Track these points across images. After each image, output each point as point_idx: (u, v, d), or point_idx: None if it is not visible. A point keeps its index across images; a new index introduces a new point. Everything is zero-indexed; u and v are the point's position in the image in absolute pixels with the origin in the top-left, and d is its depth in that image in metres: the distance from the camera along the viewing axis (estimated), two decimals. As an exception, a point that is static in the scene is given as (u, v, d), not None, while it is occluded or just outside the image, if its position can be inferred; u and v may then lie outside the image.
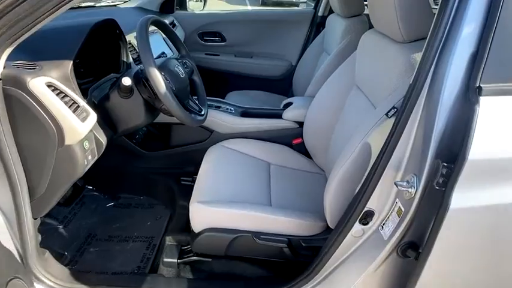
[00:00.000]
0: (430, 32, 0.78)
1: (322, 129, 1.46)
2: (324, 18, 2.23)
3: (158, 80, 0.99)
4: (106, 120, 1.13)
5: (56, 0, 0.78)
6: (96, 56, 1.30)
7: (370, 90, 1.20)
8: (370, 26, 1.27)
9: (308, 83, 2.04)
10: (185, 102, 1.21)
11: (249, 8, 11.06)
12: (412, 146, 0.85)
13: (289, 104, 1.71)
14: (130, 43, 1.45)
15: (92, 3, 1.93)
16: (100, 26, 1.19)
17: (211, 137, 1.62)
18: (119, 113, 1.13)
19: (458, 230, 0.79)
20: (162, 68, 1.10)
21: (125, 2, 2.11)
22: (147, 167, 1.67)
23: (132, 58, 1.41)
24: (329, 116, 1.44)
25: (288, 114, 1.63)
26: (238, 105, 1.71)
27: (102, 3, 2.02)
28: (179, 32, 2.22)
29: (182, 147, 1.64)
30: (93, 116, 1.00)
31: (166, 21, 2.02)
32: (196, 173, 1.39)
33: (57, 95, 0.90)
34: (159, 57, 1.41)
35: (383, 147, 0.88)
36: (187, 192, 1.34)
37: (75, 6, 1.86)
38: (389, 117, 0.95)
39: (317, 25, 2.33)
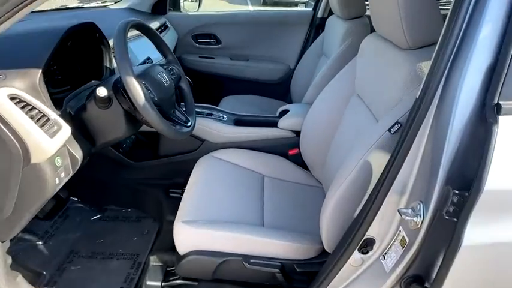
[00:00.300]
0: (440, 38, 0.68)
1: (319, 140, 1.37)
2: (323, 19, 2.13)
3: (136, 90, 0.90)
4: (83, 133, 1.03)
5: (14, 2, 0.68)
6: (77, 62, 1.21)
7: (371, 100, 1.10)
8: (372, 29, 1.18)
9: (307, 87, 1.94)
10: (170, 112, 1.11)
11: (250, 7, 10.97)
12: (419, 168, 0.75)
13: (286, 111, 1.61)
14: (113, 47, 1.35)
15: (80, 4, 1.84)
16: (78, 30, 1.10)
17: (202, 147, 1.53)
18: (97, 124, 1.03)
19: (473, 267, 0.69)
20: (142, 76, 1.01)
21: (116, 2, 2.02)
22: (134, 177, 1.58)
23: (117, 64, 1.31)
24: (327, 125, 1.34)
25: (284, 122, 1.53)
26: (231, 113, 1.62)
27: (91, 4, 1.92)
28: (172, 34, 2.13)
29: (171, 157, 1.54)
30: (65, 130, 0.90)
31: (158, 23, 1.95)
32: (186, 185, 1.30)
33: (23, 108, 0.81)
34: (144, 63, 1.31)
35: (385, 168, 0.79)
36: (175, 205, 1.25)
37: (62, 7, 1.77)
38: (393, 134, 0.85)
39: (316, 27, 2.23)
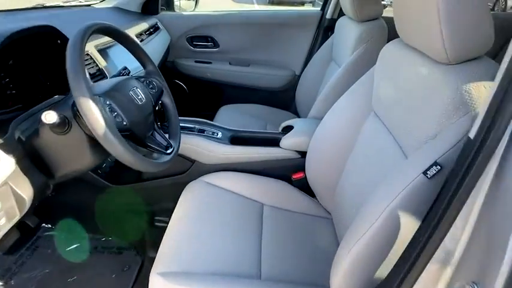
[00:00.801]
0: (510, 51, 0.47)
1: (329, 163, 1.16)
2: (332, 21, 1.92)
3: (92, 114, 0.69)
4: (37, 163, 0.83)
5: None
6: (41, 73, 1.01)
7: (395, 125, 0.88)
8: (390, 33, 0.96)
9: (313, 96, 1.73)
10: (147, 136, 0.91)
11: (256, 6, 10.74)
12: (472, 234, 0.54)
13: (289, 127, 1.40)
14: (88, 54, 1.15)
15: (59, 3, 1.64)
16: (34, 34, 0.90)
17: (193, 168, 1.32)
18: (54, 153, 0.83)
19: None
20: (108, 94, 0.80)
21: (102, 1, 1.82)
22: (115, 202, 1.38)
23: (89, 73, 1.11)
24: (339, 147, 1.13)
25: (287, 142, 1.32)
26: (227, 128, 1.41)
27: (72, 3, 1.72)
28: (163, 37, 1.92)
29: (157, 181, 1.34)
30: (6, 164, 0.70)
31: (147, 24, 1.73)
32: (173, 211, 1.11)
33: None
34: (119, 74, 1.11)
35: (421, 227, 0.58)
36: (160, 237, 1.06)
37: (38, 6, 1.57)
38: (430, 179, 0.64)
39: (325, 29, 2.00)
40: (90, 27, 0.76)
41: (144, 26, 1.72)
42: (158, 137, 0.96)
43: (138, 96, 0.88)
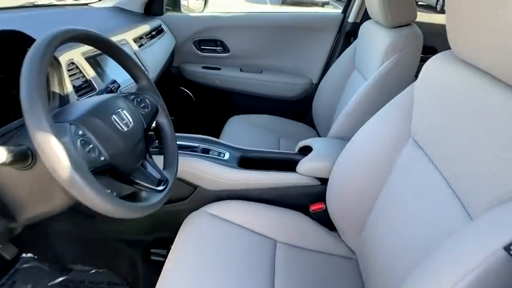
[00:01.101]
0: None
1: (356, 195, 0.97)
2: (355, 25, 1.72)
3: (49, 150, 0.51)
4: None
5: None
6: (13, 86, 0.85)
7: (454, 171, 0.67)
8: (427, 44, 0.76)
9: (333, 108, 1.55)
10: (134, 169, 0.73)
11: (269, 7, 10.55)
12: None
13: (307, 148, 1.21)
14: (73, 62, 0.98)
15: (52, 1, 1.48)
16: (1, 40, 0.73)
17: (195, 195, 1.14)
18: (15, 193, 0.66)
19: None
20: (82, 120, 0.63)
21: (100, 0, 1.66)
22: (106, 231, 1.21)
23: (73, 86, 0.94)
24: (369, 177, 0.94)
25: (306, 166, 1.13)
26: (235, 147, 1.23)
27: (68, 1, 1.56)
28: (168, 40, 1.75)
29: (153, 208, 1.16)
30: None
31: (149, 27, 1.55)
32: (172, 243, 0.95)
33: None
34: (106, 89, 0.93)
35: None
36: (156, 273, 0.89)
37: (27, 4, 1.42)
38: (512, 255, 0.45)
39: (346, 34, 1.81)
40: (56, 36, 0.59)
41: (145, 28, 1.55)
42: (149, 168, 0.78)
43: (124, 120, 0.70)
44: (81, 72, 1.00)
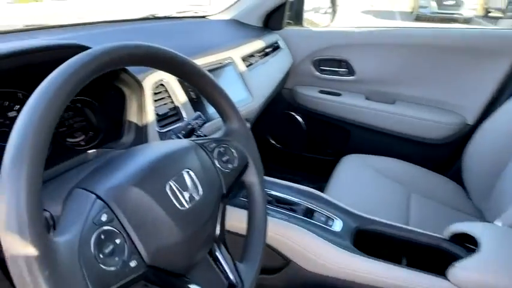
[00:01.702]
0: None
1: None
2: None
3: (24, 261, 0.28)
4: None
5: None
6: (95, 113, 0.70)
7: None
8: None
9: (501, 165, 1.07)
10: (193, 264, 0.47)
11: (399, 23, 9.65)
12: None
13: (465, 236, 0.78)
14: (162, 84, 0.80)
15: (170, 14, 1.41)
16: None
17: (287, 271, 0.84)
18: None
19: None
20: (111, 195, 0.39)
21: (220, 12, 1.53)
22: None
23: (157, 115, 0.75)
24: None
25: (464, 276, 0.71)
26: (350, 212, 0.88)
27: (187, 14, 1.47)
28: (284, 58, 1.50)
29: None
30: None
31: (263, 43, 1.32)
32: None
33: None
34: (187, 127, 0.69)
35: None
36: None
37: (149, 16, 1.36)
38: None
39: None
40: (88, 62, 0.36)
41: (259, 44, 1.34)
42: (221, 259, 0.51)
43: (187, 190, 0.45)
44: (169, 96, 0.81)
